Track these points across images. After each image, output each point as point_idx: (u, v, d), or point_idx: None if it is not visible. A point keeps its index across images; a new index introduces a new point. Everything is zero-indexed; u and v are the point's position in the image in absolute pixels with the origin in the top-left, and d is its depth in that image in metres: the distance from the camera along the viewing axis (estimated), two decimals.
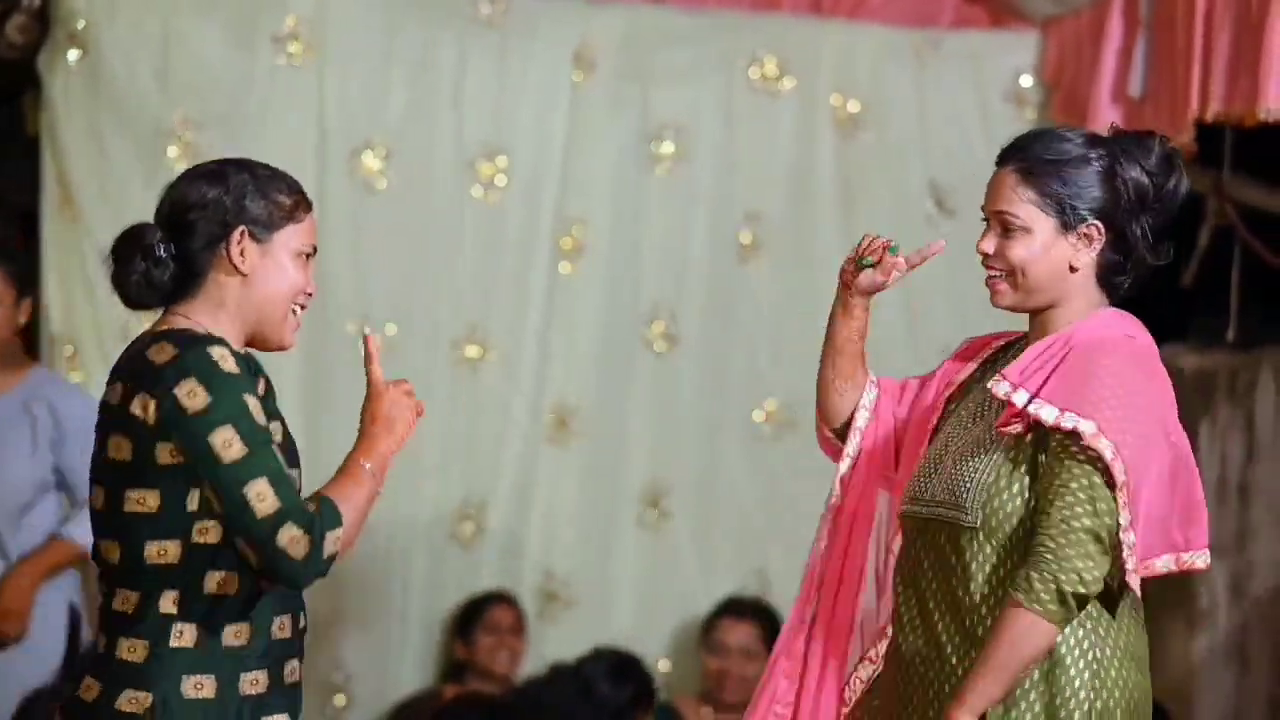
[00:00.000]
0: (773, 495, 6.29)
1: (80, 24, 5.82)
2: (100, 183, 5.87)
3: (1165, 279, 6.04)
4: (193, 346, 3.15)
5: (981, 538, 3.34)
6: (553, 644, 6.19)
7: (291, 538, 3.10)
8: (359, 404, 3.29)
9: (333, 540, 3.12)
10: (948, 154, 6.37)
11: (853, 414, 3.66)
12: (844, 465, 3.65)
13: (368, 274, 6.06)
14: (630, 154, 6.26)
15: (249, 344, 3.32)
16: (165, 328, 3.24)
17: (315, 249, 3.34)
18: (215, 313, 3.26)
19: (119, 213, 5.83)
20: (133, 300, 3.29)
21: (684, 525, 6.30)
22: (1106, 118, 6.05)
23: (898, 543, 3.53)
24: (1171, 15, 5.63)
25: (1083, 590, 3.24)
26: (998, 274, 3.42)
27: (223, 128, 5.91)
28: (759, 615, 6.12)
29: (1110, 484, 3.26)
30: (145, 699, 3.15)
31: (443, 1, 6.15)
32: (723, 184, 6.32)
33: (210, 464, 3.12)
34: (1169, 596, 5.67)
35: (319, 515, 3.12)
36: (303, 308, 3.33)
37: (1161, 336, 6.25)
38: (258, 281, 3.27)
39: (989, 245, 3.42)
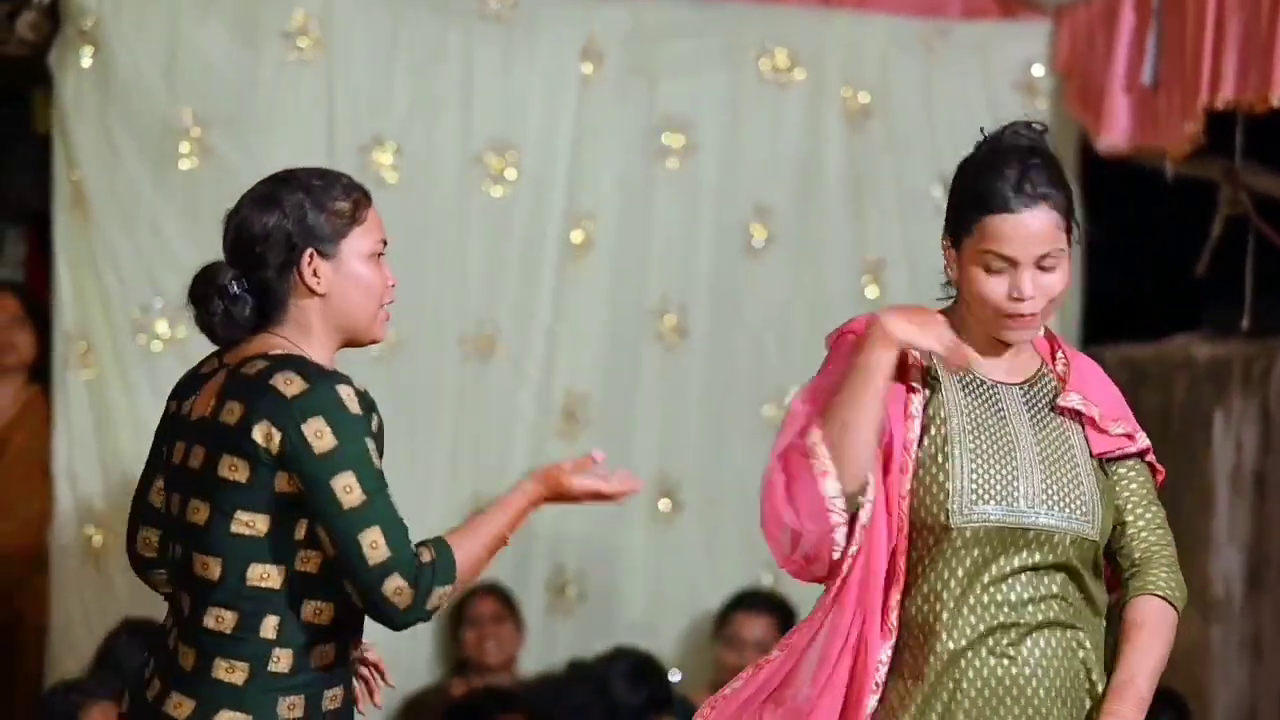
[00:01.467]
0: None
1: (90, 21, 5.81)
2: (111, 180, 5.87)
3: (1179, 269, 6.06)
4: (322, 383, 3.19)
5: (1097, 550, 3.36)
6: (563, 637, 6.19)
7: (397, 588, 3.16)
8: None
9: (439, 596, 3.20)
10: (957, 145, 6.26)
11: None
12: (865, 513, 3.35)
13: None
14: (639, 147, 6.25)
15: (345, 346, 3.35)
16: (278, 352, 3.26)
17: (385, 240, 3.36)
18: (305, 336, 3.29)
19: (129, 210, 5.85)
20: (222, 340, 3.33)
21: (693, 518, 6.29)
22: (1118, 106, 6.04)
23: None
24: (1183, 3, 5.61)
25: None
26: (1031, 312, 3.31)
27: (232, 125, 5.91)
28: (773, 608, 6.11)
29: None
30: (243, 719, 3.21)
31: None
32: (731, 176, 6.31)
33: (329, 507, 3.16)
34: None
35: (432, 566, 3.18)
36: (390, 301, 3.36)
37: (1175, 326, 6.28)
38: (337, 297, 3.29)
39: (1029, 287, 3.30)
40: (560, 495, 3.37)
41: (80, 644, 5.70)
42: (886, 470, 3.33)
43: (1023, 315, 3.32)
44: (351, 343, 3.35)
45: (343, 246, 3.29)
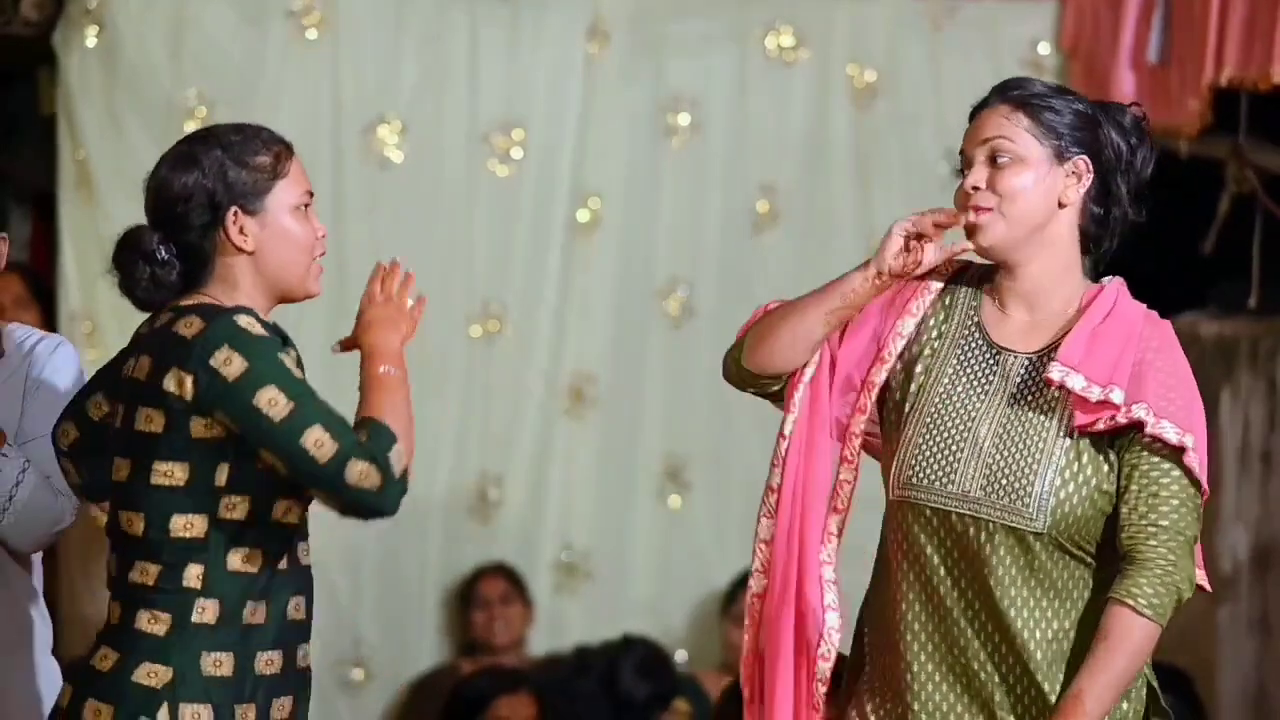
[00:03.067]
0: None
1: (96, 2, 5.81)
2: (116, 161, 5.86)
3: (1185, 247, 6.05)
4: (218, 317, 3.13)
5: (1046, 542, 3.18)
6: (571, 617, 6.19)
7: (360, 472, 3.07)
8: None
9: (397, 457, 3.09)
10: (963, 123, 6.30)
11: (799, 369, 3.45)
12: (789, 422, 3.45)
13: (383, 248, 5.99)
14: (645, 126, 6.24)
15: (278, 303, 3.28)
16: (186, 303, 3.21)
17: (311, 192, 3.28)
18: (232, 293, 3.22)
19: (135, 191, 5.77)
20: (146, 304, 3.25)
21: (701, 498, 6.29)
22: (1125, 84, 6.02)
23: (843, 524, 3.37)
24: None
25: (1188, 599, 3.19)
26: (986, 208, 3.23)
27: (237, 105, 5.89)
28: None
29: (1200, 495, 3.20)
30: (164, 673, 3.13)
31: None
32: (737, 155, 6.30)
33: (262, 426, 3.08)
34: None
35: (371, 440, 3.09)
36: (321, 254, 3.29)
37: (1182, 305, 6.27)
38: (266, 253, 3.22)
39: (979, 177, 3.24)
40: (373, 321, 3.24)
41: (87, 617, 5.71)
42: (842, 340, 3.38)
43: (977, 210, 3.23)
44: (286, 298, 3.27)
45: (268, 201, 3.21)
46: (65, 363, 3.65)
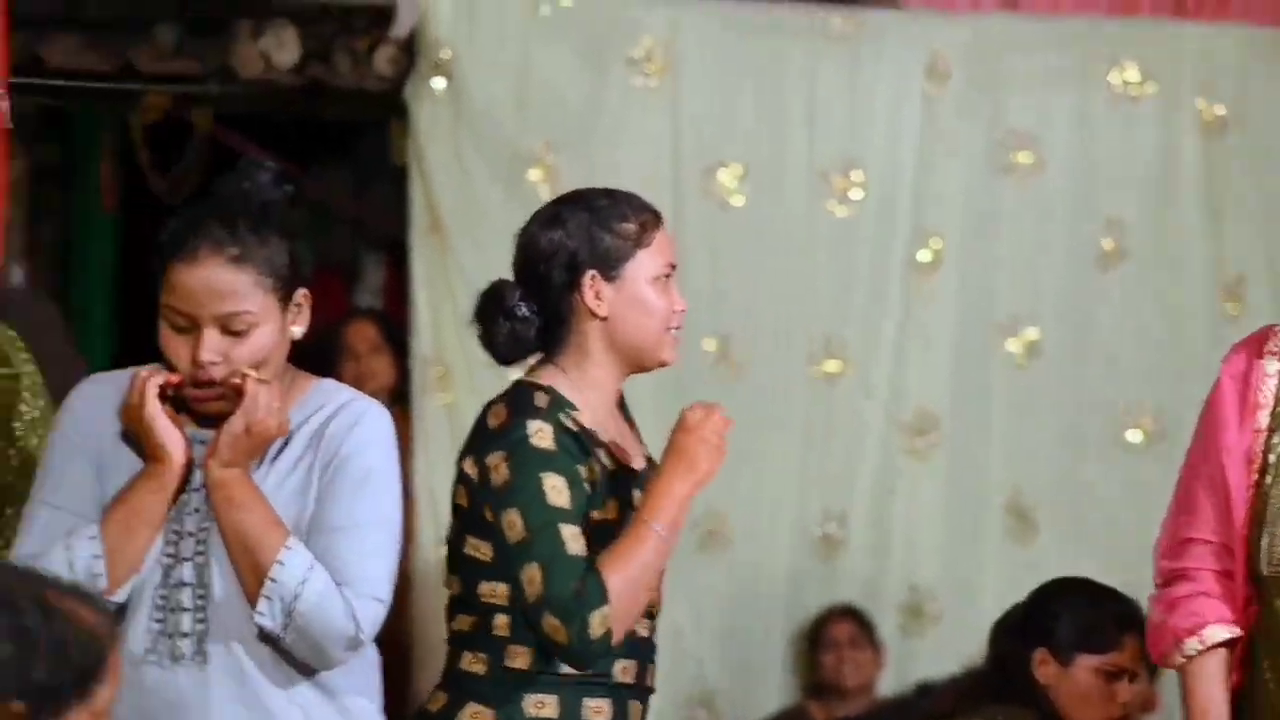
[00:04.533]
0: (1144, 507, 6.12)
1: (446, 53, 5.95)
2: (465, 208, 5.98)
3: None
4: (518, 418, 3.15)
5: None
6: (918, 659, 6.12)
7: (552, 626, 3.08)
8: None
9: (599, 621, 3.07)
10: None
11: None
12: None
13: (725, 290, 6.07)
14: (985, 164, 6.17)
15: (632, 372, 3.28)
16: (527, 380, 3.24)
17: (674, 264, 3.27)
18: (582, 362, 3.23)
19: (483, 237, 5.96)
20: (505, 358, 3.29)
21: (1050, 537, 6.17)
22: None
23: None
24: None
25: None
26: None
27: (579, 150, 5.98)
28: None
29: None
30: (487, 715, 3.18)
31: (793, 17, 6.14)
32: (1081, 191, 6.20)
33: (497, 541, 3.14)
34: None
35: (581, 596, 3.07)
36: (677, 326, 3.27)
37: None
38: (619, 320, 3.22)
39: None
40: (677, 450, 3.15)
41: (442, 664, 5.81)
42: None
43: None
44: (638, 367, 3.26)
45: (627, 269, 3.20)
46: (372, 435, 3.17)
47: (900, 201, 6.17)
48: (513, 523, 3.11)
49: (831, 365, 6.15)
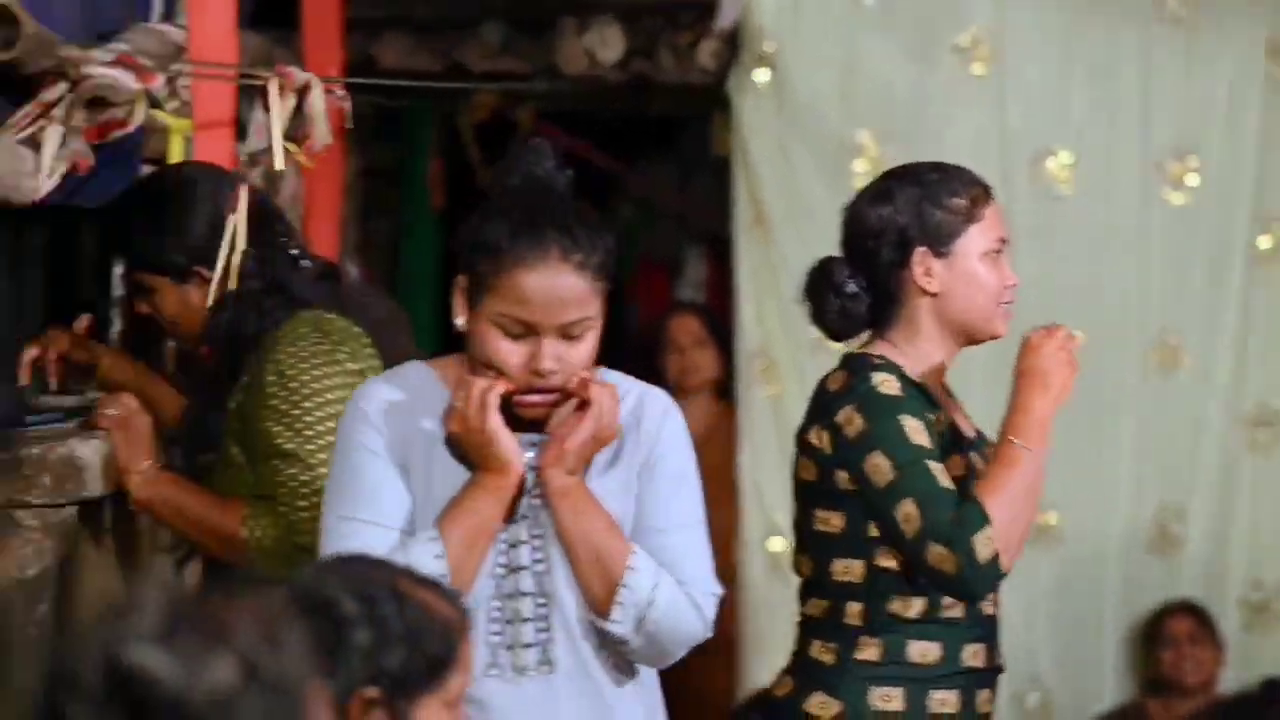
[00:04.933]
0: None
1: (769, 46, 5.93)
2: (788, 200, 5.96)
3: None
4: (860, 374, 3.16)
5: None
6: (1262, 657, 5.95)
7: (937, 555, 3.05)
8: None
9: (983, 542, 3.03)
10: None
11: None
12: None
13: (1055, 280, 5.95)
14: None
15: (965, 345, 3.26)
16: (860, 351, 3.25)
17: (1005, 239, 3.24)
18: (915, 335, 3.23)
19: (807, 228, 5.93)
20: (836, 334, 3.30)
21: None
22: None
23: None
24: None
25: None
26: None
27: (904, 141, 5.91)
28: None
29: None
30: (834, 706, 3.17)
31: (1126, 1, 6.00)
32: None
33: (866, 490, 3.12)
34: None
35: (960, 522, 3.04)
36: (1009, 301, 3.25)
37: None
38: (949, 296, 3.21)
39: None
40: (1026, 371, 3.15)
41: (770, 654, 5.80)
42: None
43: None
44: (971, 340, 3.25)
45: (958, 245, 3.19)
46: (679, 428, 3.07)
47: (1240, 187, 5.99)
48: (877, 465, 3.10)
49: (1168, 357, 6.00)
